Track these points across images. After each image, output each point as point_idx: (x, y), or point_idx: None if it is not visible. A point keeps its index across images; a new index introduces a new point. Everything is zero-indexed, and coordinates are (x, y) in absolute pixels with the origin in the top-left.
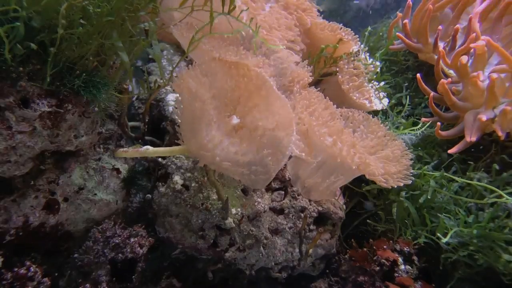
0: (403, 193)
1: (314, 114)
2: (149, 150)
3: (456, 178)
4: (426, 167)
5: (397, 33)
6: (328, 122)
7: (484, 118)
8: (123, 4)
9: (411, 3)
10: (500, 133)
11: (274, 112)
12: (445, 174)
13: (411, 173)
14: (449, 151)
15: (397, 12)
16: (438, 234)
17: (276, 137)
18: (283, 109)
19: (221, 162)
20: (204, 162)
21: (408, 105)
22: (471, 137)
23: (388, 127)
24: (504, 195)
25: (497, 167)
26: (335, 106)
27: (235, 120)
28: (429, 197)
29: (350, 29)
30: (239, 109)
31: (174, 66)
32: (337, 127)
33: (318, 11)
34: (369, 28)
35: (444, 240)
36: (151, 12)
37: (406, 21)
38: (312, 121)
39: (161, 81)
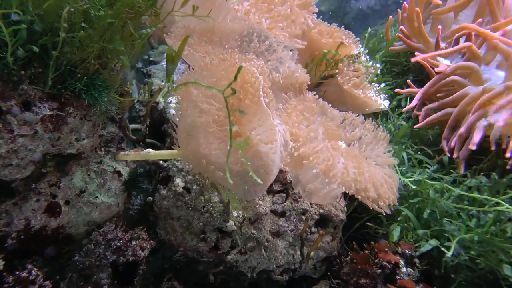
0: (403, 200)
1: (309, 127)
2: (150, 153)
3: (456, 190)
4: (426, 171)
5: (397, 34)
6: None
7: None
8: (124, 8)
9: (407, 5)
10: (493, 147)
11: (259, 123)
12: (446, 186)
13: (412, 180)
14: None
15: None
16: (443, 249)
17: (260, 152)
18: (266, 122)
19: (215, 171)
20: (199, 170)
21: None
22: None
23: (389, 135)
24: (504, 203)
25: (496, 176)
26: (336, 108)
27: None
28: (428, 211)
29: (351, 32)
30: (236, 116)
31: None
32: (333, 143)
33: (319, 12)
34: (369, 30)
35: (449, 254)
36: (151, 15)
37: (402, 27)
38: (302, 135)
39: (163, 83)
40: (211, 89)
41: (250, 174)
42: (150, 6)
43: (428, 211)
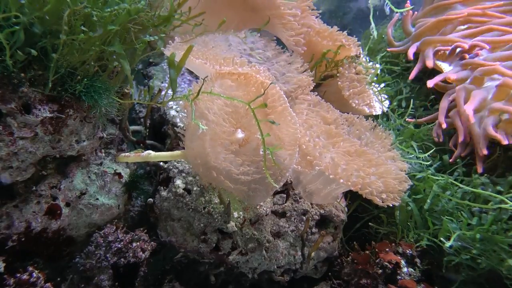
0: (405, 196)
1: (312, 128)
2: (150, 154)
3: (462, 186)
4: (429, 170)
5: (387, 49)
6: (325, 135)
7: (491, 131)
8: (128, 19)
9: (409, 4)
10: (503, 142)
11: (281, 130)
12: (450, 180)
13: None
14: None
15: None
16: (442, 239)
17: (278, 157)
18: (291, 128)
19: (224, 181)
20: (207, 180)
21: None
22: (482, 150)
23: (391, 133)
24: (508, 201)
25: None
26: (337, 108)
27: (240, 134)
28: (428, 201)
29: (353, 37)
30: (244, 122)
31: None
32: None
33: (318, 12)
34: (371, 31)
35: (448, 244)
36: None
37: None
38: (306, 141)
39: (163, 84)
40: (230, 99)
41: (254, 185)
42: (160, 23)
43: (429, 201)
